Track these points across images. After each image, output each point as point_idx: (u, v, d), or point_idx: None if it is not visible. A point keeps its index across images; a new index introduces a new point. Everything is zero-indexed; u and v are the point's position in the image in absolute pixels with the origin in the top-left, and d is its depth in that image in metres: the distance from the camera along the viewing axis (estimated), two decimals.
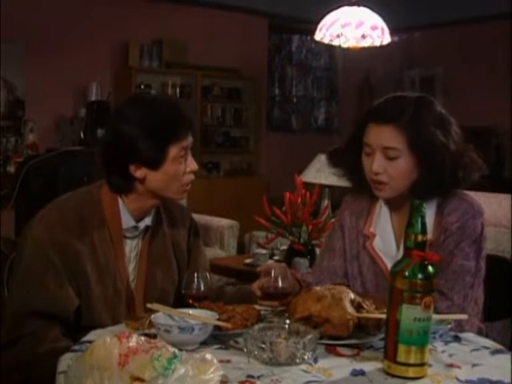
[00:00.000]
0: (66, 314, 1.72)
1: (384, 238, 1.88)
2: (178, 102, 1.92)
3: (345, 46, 4.15)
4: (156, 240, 1.89)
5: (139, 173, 1.74)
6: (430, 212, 1.80)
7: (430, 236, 1.78)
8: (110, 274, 1.79)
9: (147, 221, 1.85)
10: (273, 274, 1.72)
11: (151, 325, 1.47)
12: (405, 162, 1.75)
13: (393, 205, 1.88)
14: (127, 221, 1.81)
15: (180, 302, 1.78)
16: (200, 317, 1.48)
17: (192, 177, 1.81)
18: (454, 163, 1.76)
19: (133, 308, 1.82)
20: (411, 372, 1.31)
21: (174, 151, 1.74)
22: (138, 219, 1.83)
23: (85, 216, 1.78)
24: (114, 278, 1.79)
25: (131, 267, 1.85)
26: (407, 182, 1.78)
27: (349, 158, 1.89)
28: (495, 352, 1.49)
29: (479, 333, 1.75)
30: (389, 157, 1.75)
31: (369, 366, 1.36)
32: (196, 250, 2.02)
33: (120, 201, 1.80)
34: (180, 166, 1.76)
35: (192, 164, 1.79)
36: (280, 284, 1.70)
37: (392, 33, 4.18)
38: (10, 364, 1.69)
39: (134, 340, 1.21)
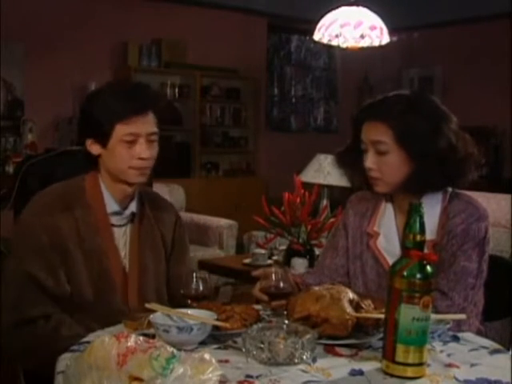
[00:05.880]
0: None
1: (388, 236, 1.89)
2: (147, 90, 1.88)
3: (344, 45, 4.15)
4: (144, 225, 1.95)
5: (94, 148, 1.84)
6: (435, 213, 1.82)
7: (434, 237, 1.79)
8: (97, 257, 1.83)
9: (132, 207, 1.91)
10: (274, 277, 1.72)
11: (150, 325, 1.47)
12: (394, 156, 1.79)
13: (398, 204, 1.89)
14: (111, 205, 1.87)
15: (169, 289, 1.88)
16: (199, 317, 1.48)
17: (141, 163, 1.81)
18: (445, 158, 1.77)
19: (126, 295, 1.86)
20: (410, 372, 1.31)
21: (119, 131, 1.78)
22: (123, 206, 1.90)
23: (69, 201, 1.85)
24: (101, 262, 1.83)
25: (122, 254, 1.90)
26: (399, 176, 1.80)
27: (352, 158, 1.91)
28: (494, 352, 1.49)
29: (479, 334, 1.74)
30: (379, 151, 1.79)
31: (367, 366, 1.36)
32: (180, 243, 2.06)
33: (102, 186, 1.87)
34: (126, 150, 1.80)
35: (143, 152, 1.80)
36: (281, 284, 1.71)
37: (391, 33, 4.18)
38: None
39: (133, 340, 1.21)
